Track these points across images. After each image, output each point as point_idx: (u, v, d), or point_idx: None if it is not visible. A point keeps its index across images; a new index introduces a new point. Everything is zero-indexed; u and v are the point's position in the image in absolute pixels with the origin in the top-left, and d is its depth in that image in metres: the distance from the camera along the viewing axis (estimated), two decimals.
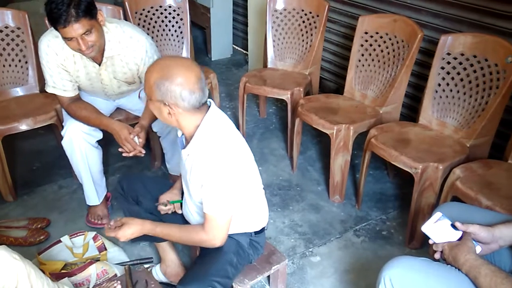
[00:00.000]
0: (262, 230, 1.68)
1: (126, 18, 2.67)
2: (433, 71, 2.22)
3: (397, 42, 2.40)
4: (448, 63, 2.18)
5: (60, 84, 2.01)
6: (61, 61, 1.96)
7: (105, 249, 2.05)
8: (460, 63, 2.15)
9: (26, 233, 2.16)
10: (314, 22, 2.85)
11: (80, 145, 2.04)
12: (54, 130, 2.67)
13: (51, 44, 1.94)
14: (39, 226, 2.22)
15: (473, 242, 1.28)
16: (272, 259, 1.75)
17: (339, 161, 2.36)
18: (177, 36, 2.90)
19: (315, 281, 1.97)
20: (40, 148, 2.92)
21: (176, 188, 1.74)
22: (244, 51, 4.33)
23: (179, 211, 1.70)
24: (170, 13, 2.86)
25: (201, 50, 4.38)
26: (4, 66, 2.53)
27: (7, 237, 2.14)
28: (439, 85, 2.22)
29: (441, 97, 2.23)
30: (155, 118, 2.07)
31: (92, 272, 1.85)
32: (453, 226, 1.32)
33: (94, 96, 2.21)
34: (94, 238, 2.08)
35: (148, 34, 2.49)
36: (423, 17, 2.55)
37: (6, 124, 2.26)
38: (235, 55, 4.40)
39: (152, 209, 1.73)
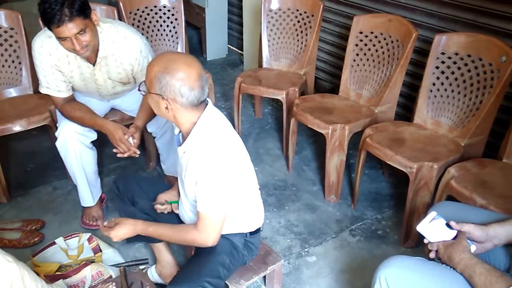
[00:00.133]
0: (258, 231, 1.68)
1: (120, 18, 2.66)
2: (427, 71, 2.22)
3: (392, 42, 2.40)
4: (443, 62, 2.19)
5: (54, 85, 2.00)
6: (54, 62, 1.95)
7: (100, 250, 2.04)
8: (455, 63, 2.15)
9: (20, 235, 2.15)
10: (309, 22, 2.85)
11: (74, 146, 2.03)
12: (48, 131, 2.65)
13: (45, 44, 1.93)
14: (33, 228, 2.21)
15: (468, 241, 1.29)
16: (268, 259, 1.75)
17: (335, 161, 2.36)
18: (172, 36, 2.89)
19: (311, 281, 1.97)
20: (34, 149, 2.91)
21: (175, 189, 1.73)
22: (240, 51, 4.33)
23: (176, 211, 1.70)
24: (164, 13, 2.85)
25: (196, 50, 4.37)
26: None
27: (1, 239, 2.13)
28: (434, 84, 2.23)
29: (435, 96, 2.23)
30: (150, 119, 2.07)
31: (87, 273, 1.84)
32: (448, 225, 1.33)
33: (88, 97, 2.20)
34: (89, 240, 2.07)
35: (142, 34, 2.48)
36: (418, 16, 2.55)
37: None
38: (230, 55, 4.39)
39: (147, 209, 1.73)
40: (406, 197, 2.07)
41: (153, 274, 1.90)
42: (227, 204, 1.46)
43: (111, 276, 1.86)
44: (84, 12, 1.75)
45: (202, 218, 1.45)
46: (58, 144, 2.04)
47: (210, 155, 1.39)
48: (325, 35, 3.21)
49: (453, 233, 1.32)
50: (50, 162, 2.71)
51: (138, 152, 1.97)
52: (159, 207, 1.69)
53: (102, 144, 2.32)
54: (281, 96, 2.68)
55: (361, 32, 2.53)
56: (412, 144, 2.11)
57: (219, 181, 1.41)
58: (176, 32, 2.89)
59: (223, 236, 1.56)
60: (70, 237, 2.09)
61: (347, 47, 2.59)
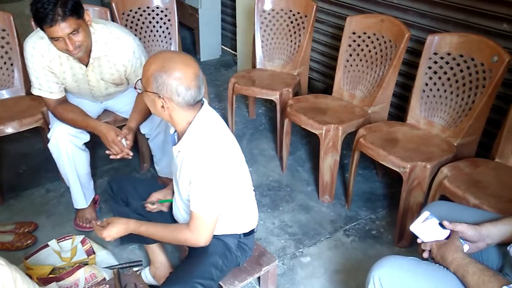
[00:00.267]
0: (251, 232, 1.67)
1: (113, 19, 2.65)
2: (420, 71, 2.23)
3: (385, 42, 2.41)
4: (435, 62, 2.20)
5: (46, 86, 1.99)
6: (47, 63, 1.94)
7: (94, 252, 2.03)
8: (447, 63, 2.17)
9: (13, 238, 2.13)
10: (302, 23, 2.86)
11: (66, 147, 2.02)
12: (40, 133, 2.64)
13: (37, 45, 1.92)
14: (26, 230, 2.19)
15: (461, 240, 1.29)
16: (262, 260, 1.75)
17: (328, 161, 2.36)
18: (165, 37, 2.88)
19: (305, 282, 1.97)
20: (26, 151, 2.89)
21: (169, 188, 1.73)
22: (233, 52, 4.32)
23: (165, 209, 1.70)
24: (157, 14, 2.84)
25: (189, 51, 4.36)
26: None
27: None
28: (426, 84, 2.24)
29: (428, 96, 2.24)
30: (143, 120, 2.06)
31: (81, 276, 1.83)
32: (441, 225, 1.33)
33: (81, 98, 2.18)
34: (82, 242, 2.06)
35: (135, 35, 2.47)
36: (410, 17, 2.56)
37: None
38: (224, 56, 4.39)
39: (141, 210, 1.73)
40: (399, 197, 2.08)
41: (147, 275, 1.90)
42: (220, 204, 1.46)
43: (104, 279, 1.85)
44: (77, 12, 1.74)
45: (195, 218, 1.45)
46: (50, 145, 2.03)
47: (204, 154, 1.39)
48: (318, 36, 3.21)
49: (446, 232, 1.32)
50: (43, 164, 2.69)
51: (131, 154, 1.96)
52: (149, 206, 1.69)
53: (95, 145, 2.31)
54: (274, 96, 2.69)
55: (354, 33, 2.53)
56: (405, 144, 2.12)
57: (213, 181, 1.41)
58: (169, 33, 2.88)
59: (216, 237, 1.56)
60: (63, 239, 2.08)
61: (340, 48, 2.60)
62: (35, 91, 2.02)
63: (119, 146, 1.93)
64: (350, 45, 2.56)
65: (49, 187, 2.56)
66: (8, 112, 2.34)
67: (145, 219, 1.67)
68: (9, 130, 2.26)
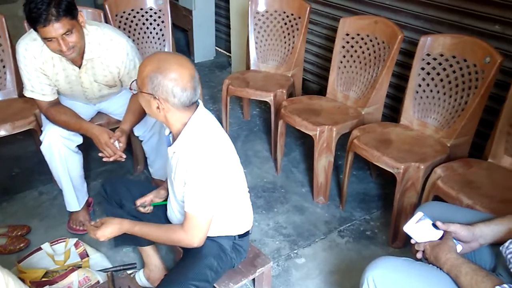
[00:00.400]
0: (246, 233, 1.67)
1: (106, 21, 2.64)
2: (413, 72, 2.24)
3: (378, 44, 2.42)
4: (428, 63, 2.21)
5: (38, 88, 1.98)
6: (39, 65, 1.93)
7: (87, 255, 2.01)
8: (440, 64, 2.18)
9: (6, 241, 2.11)
10: (296, 24, 2.86)
11: (59, 150, 2.00)
12: (33, 135, 2.62)
13: (29, 47, 1.90)
14: (19, 233, 2.17)
15: (454, 241, 1.30)
16: (257, 261, 1.74)
17: (323, 162, 2.36)
18: (159, 38, 2.88)
19: (300, 283, 1.97)
20: (19, 153, 2.86)
21: (163, 189, 1.73)
22: (227, 53, 4.32)
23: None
24: (151, 16, 2.84)
25: (184, 53, 4.33)
26: None
27: None
28: (420, 85, 2.25)
29: (421, 97, 2.25)
30: (136, 122, 2.06)
31: (74, 279, 1.82)
32: (434, 225, 1.34)
33: (74, 100, 2.17)
34: (76, 245, 2.05)
35: (129, 37, 2.46)
36: (403, 18, 2.58)
37: None
38: (218, 57, 4.39)
39: (135, 212, 1.72)
40: (393, 197, 2.08)
41: (141, 278, 1.89)
42: (215, 205, 1.46)
43: (98, 282, 1.84)
44: (71, 12, 1.74)
45: (189, 219, 1.45)
46: (42, 148, 2.02)
47: (199, 155, 1.39)
48: (312, 37, 3.22)
49: (440, 233, 1.33)
50: (36, 166, 2.67)
51: (124, 156, 1.96)
52: (140, 210, 1.68)
53: (88, 147, 2.30)
54: (269, 98, 2.69)
55: (347, 34, 2.54)
56: (399, 145, 2.12)
57: (207, 182, 1.41)
58: (163, 35, 2.87)
59: (211, 239, 1.56)
60: (56, 242, 2.07)
61: (333, 49, 2.60)
62: (27, 93, 2.00)
63: (112, 148, 1.92)
64: (343, 47, 2.57)
65: (42, 189, 2.55)
66: (0, 114, 2.32)
67: (139, 221, 1.66)
68: (2, 132, 2.24)
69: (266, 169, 2.77)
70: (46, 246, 2.03)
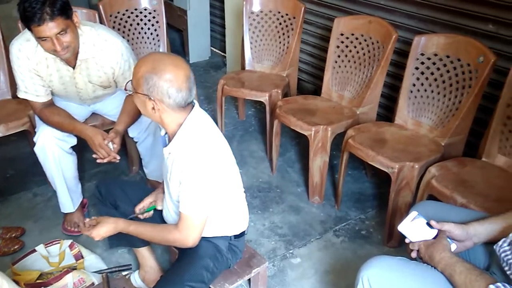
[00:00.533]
0: (242, 234, 1.67)
1: (101, 21, 2.63)
2: (407, 72, 2.25)
3: (372, 43, 2.43)
4: (422, 63, 2.22)
5: (32, 89, 1.97)
6: (33, 66, 1.92)
7: (82, 257, 2.01)
8: (434, 63, 2.18)
9: (0, 243, 2.10)
10: (291, 24, 2.86)
11: (53, 151, 1.99)
12: (27, 137, 2.60)
13: (23, 48, 1.89)
14: (13, 235, 2.16)
15: (448, 240, 1.30)
16: (252, 262, 1.74)
17: (318, 162, 2.37)
18: (153, 39, 2.87)
19: (296, 283, 1.97)
20: (13, 155, 2.85)
21: (160, 191, 1.72)
22: (222, 53, 4.32)
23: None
24: (145, 16, 2.83)
25: (179, 53, 4.34)
26: None
27: None
28: (414, 85, 2.25)
29: (416, 97, 2.26)
30: (131, 123, 2.05)
31: (69, 281, 1.81)
32: (429, 224, 1.34)
33: (68, 101, 2.16)
34: (71, 246, 2.04)
35: (123, 37, 2.45)
36: (398, 18, 2.58)
37: None
38: (213, 58, 4.38)
39: (130, 213, 1.71)
40: (388, 197, 2.09)
41: (136, 279, 1.88)
42: (210, 205, 1.46)
43: (93, 283, 1.83)
44: (65, 12, 1.73)
45: (184, 219, 1.45)
46: (36, 149, 2.01)
47: (195, 156, 1.39)
48: (307, 37, 3.22)
49: (434, 232, 1.33)
50: (30, 168, 2.66)
51: (118, 158, 1.95)
52: (140, 217, 1.68)
53: (82, 149, 2.28)
54: (264, 98, 2.69)
55: (342, 34, 2.55)
56: (394, 144, 2.13)
57: (202, 182, 1.40)
58: (157, 35, 2.86)
59: (207, 239, 1.56)
60: (51, 244, 2.06)
61: (328, 49, 2.61)
62: (21, 94, 1.99)
63: (106, 150, 1.91)
64: (338, 46, 2.57)
65: (37, 191, 2.54)
66: None
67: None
68: None
69: (262, 169, 2.77)
70: (40, 248, 2.02)
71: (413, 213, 1.37)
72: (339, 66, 2.59)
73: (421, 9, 2.46)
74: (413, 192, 2.02)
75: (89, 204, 2.38)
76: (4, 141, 2.65)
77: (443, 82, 2.16)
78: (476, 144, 2.14)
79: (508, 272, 1.18)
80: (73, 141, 2.07)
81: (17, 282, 1.75)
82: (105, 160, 1.93)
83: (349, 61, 2.55)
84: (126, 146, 2.53)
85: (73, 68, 1.96)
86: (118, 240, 1.77)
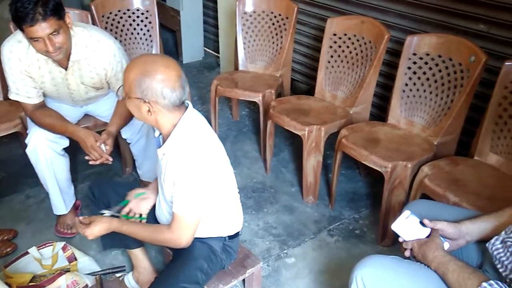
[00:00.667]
0: (236, 234, 1.67)
1: (93, 22, 2.62)
2: (400, 71, 2.26)
3: (365, 43, 2.43)
4: (414, 63, 2.23)
5: (23, 91, 1.95)
6: (24, 67, 1.90)
7: (75, 259, 2.00)
8: (426, 63, 2.20)
9: None
10: (284, 24, 2.87)
11: (45, 153, 1.98)
12: (19, 138, 2.58)
13: (14, 49, 1.88)
14: (5, 238, 2.14)
15: (441, 238, 1.31)
16: (246, 262, 1.74)
17: (312, 162, 2.37)
18: (146, 39, 2.86)
19: (290, 283, 1.98)
20: (5, 157, 2.83)
21: (149, 188, 1.72)
22: (216, 54, 4.31)
23: (141, 211, 1.69)
24: (138, 16, 2.82)
25: (172, 53, 4.34)
26: None
27: None
28: (406, 84, 2.26)
29: (408, 96, 2.27)
30: (124, 125, 2.04)
31: (62, 283, 1.80)
32: (422, 223, 1.35)
33: (60, 103, 2.15)
34: (64, 249, 2.03)
35: (116, 38, 2.45)
36: (390, 18, 2.59)
37: None
38: (206, 58, 4.38)
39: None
40: (382, 196, 2.10)
41: (130, 281, 1.87)
42: (203, 206, 1.45)
43: (87, 285, 1.83)
44: (58, 12, 1.72)
45: (177, 219, 1.45)
46: (28, 151, 1.99)
47: (189, 156, 1.39)
48: (300, 37, 3.23)
49: (427, 231, 1.34)
50: (22, 170, 2.63)
51: (111, 159, 1.94)
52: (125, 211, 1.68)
53: (75, 150, 2.27)
54: (257, 98, 2.69)
55: (334, 34, 2.55)
56: (387, 144, 2.14)
57: (196, 183, 1.40)
58: (150, 36, 2.86)
59: (201, 240, 1.56)
60: (43, 246, 2.04)
61: (321, 49, 2.61)
62: (12, 96, 1.98)
63: (98, 151, 1.90)
64: (331, 47, 2.58)
65: (29, 193, 2.52)
66: None
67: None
68: None
69: (256, 169, 2.77)
70: (33, 250, 2.00)
71: (406, 212, 1.38)
72: (332, 66, 2.59)
73: (413, 9, 2.47)
74: (406, 191, 2.03)
75: (82, 205, 2.36)
76: None
77: (435, 81, 2.18)
78: (468, 143, 2.16)
79: (500, 270, 1.19)
80: (65, 142, 2.06)
81: (9, 285, 1.75)
82: (97, 162, 1.92)
83: (342, 61, 2.55)
84: (119, 147, 2.52)
85: (65, 69, 1.95)
86: (112, 241, 1.76)
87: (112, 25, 2.77)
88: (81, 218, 1.56)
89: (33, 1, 1.65)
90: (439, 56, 2.15)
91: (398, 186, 2.03)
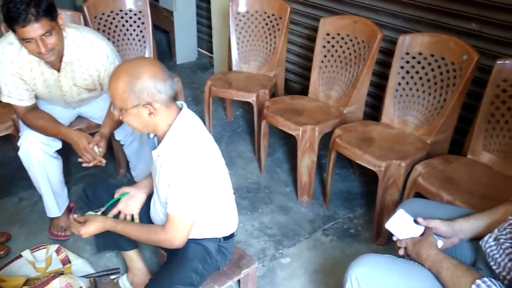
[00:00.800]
0: (231, 235, 1.67)
1: (85, 23, 2.60)
2: (393, 71, 2.27)
3: (358, 43, 2.44)
4: (407, 62, 2.24)
5: (15, 93, 1.94)
6: (16, 69, 1.89)
7: (69, 261, 1.99)
8: (419, 62, 2.21)
9: None
10: (277, 24, 2.87)
11: (37, 155, 1.97)
12: (12, 140, 2.56)
13: (5, 51, 1.87)
14: None
15: (435, 236, 1.32)
16: (241, 263, 1.74)
17: (306, 162, 2.37)
18: (139, 40, 2.85)
19: (285, 283, 1.98)
20: None
21: (138, 185, 1.72)
22: (210, 54, 4.31)
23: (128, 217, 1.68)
24: (131, 17, 2.81)
25: (165, 54, 4.33)
26: None
27: None
28: (399, 84, 2.27)
29: (401, 95, 2.28)
30: (117, 126, 2.04)
31: (56, 286, 1.79)
32: (416, 222, 1.35)
33: (53, 105, 2.14)
34: (57, 251, 2.01)
35: (109, 39, 2.43)
36: (383, 18, 2.60)
37: None
38: (200, 58, 4.37)
39: (117, 215, 1.70)
40: (376, 195, 2.10)
41: (124, 283, 1.86)
42: (197, 207, 1.45)
43: None
44: (51, 13, 1.71)
45: (171, 220, 1.45)
46: (20, 154, 1.98)
47: (183, 157, 1.39)
48: (293, 37, 3.23)
49: (421, 229, 1.34)
50: (15, 172, 2.61)
51: (104, 161, 1.93)
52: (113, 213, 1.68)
53: (68, 152, 2.26)
54: (251, 98, 2.69)
55: (328, 34, 2.56)
56: (380, 143, 2.15)
57: (190, 184, 1.40)
58: (143, 36, 2.84)
59: (196, 241, 1.56)
60: (37, 249, 2.03)
61: (314, 49, 2.62)
62: (4, 98, 1.96)
63: (91, 153, 1.90)
64: (324, 46, 2.58)
65: (22, 195, 2.50)
66: None
67: None
68: None
69: (250, 169, 2.77)
70: (26, 253, 1.99)
71: (400, 211, 1.38)
72: (326, 66, 2.60)
73: (405, 8, 2.48)
74: (400, 190, 2.04)
75: (76, 208, 2.35)
76: None
77: (428, 80, 2.18)
78: (461, 141, 2.17)
79: (493, 267, 1.20)
80: (58, 145, 2.04)
81: None
82: (90, 164, 1.91)
83: (335, 61, 2.56)
84: (113, 149, 2.51)
85: (58, 71, 1.94)
86: (106, 243, 1.75)
87: (104, 26, 2.76)
88: (75, 216, 1.57)
89: (26, 1, 1.64)
90: (432, 55, 2.16)
91: (392, 185, 2.04)
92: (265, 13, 2.91)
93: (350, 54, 2.48)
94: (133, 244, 1.76)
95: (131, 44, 2.85)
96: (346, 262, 1.40)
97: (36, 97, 2.03)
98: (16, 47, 1.84)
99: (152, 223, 1.66)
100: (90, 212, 1.64)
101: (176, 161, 1.39)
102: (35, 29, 1.68)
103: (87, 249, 2.12)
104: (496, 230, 1.24)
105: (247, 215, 2.38)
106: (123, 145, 2.27)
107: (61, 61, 1.91)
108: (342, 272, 1.36)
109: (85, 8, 2.65)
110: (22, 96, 1.95)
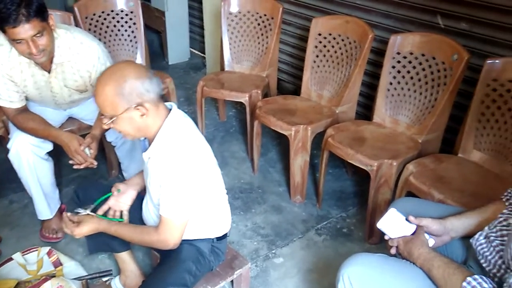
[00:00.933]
0: (224, 236, 1.67)
1: (76, 24, 2.59)
2: (384, 70, 2.28)
3: (350, 43, 2.45)
4: (398, 62, 2.25)
5: (5, 95, 1.92)
6: (6, 71, 1.87)
7: (61, 264, 1.97)
8: (410, 62, 2.22)
9: None
10: (269, 25, 2.87)
11: (28, 157, 1.95)
12: (2, 142, 2.54)
13: None
14: None
15: (426, 235, 1.32)
16: (234, 263, 1.74)
17: (299, 162, 2.38)
18: (131, 40, 2.84)
19: (278, 283, 1.98)
20: None
21: (129, 182, 1.72)
22: (202, 54, 4.30)
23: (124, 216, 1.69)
24: (122, 18, 2.79)
25: (157, 54, 4.32)
26: None
27: None
28: (391, 83, 2.28)
29: (393, 95, 2.29)
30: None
31: None
32: (408, 221, 1.36)
33: (43, 106, 2.12)
34: (49, 254, 2.00)
35: (100, 39, 2.42)
36: (374, 17, 2.61)
37: None
38: (192, 59, 4.36)
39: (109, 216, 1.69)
40: (369, 194, 2.11)
41: (117, 285, 1.86)
42: (190, 208, 1.45)
43: None
44: (42, 14, 1.70)
45: (164, 222, 1.44)
46: (10, 156, 1.96)
47: (174, 158, 1.39)
48: (285, 37, 3.23)
49: (412, 228, 1.35)
50: (5, 174, 2.59)
51: (95, 163, 1.92)
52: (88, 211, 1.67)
53: (60, 153, 2.24)
54: (244, 98, 2.68)
55: (320, 34, 2.56)
56: (372, 142, 2.15)
57: (182, 185, 1.40)
58: (135, 37, 2.83)
59: (189, 242, 1.55)
60: (28, 251, 2.01)
61: (306, 49, 2.62)
62: None
63: (83, 155, 1.88)
64: (316, 46, 2.59)
65: (13, 198, 2.48)
66: None
67: None
68: None
69: (243, 169, 2.77)
70: (17, 256, 1.97)
71: (391, 210, 1.39)
72: (318, 66, 2.60)
73: (396, 8, 2.50)
74: (392, 189, 2.05)
75: (67, 209, 2.33)
76: None
77: (419, 80, 2.20)
78: (452, 140, 2.18)
79: (484, 265, 1.21)
80: (49, 147, 2.02)
81: None
82: (82, 166, 1.90)
83: (327, 60, 2.56)
84: (105, 150, 2.50)
85: (48, 72, 1.92)
86: (98, 245, 1.75)
87: (96, 26, 2.74)
88: (69, 214, 1.57)
89: (16, 2, 1.63)
90: (423, 55, 2.17)
91: (384, 184, 2.05)
92: (257, 13, 2.91)
93: (342, 54, 2.49)
94: (126, 245, 1.76)
95: (122, 44, 2.83)
96: (339, 261, 1.40)
97: (27, 98, 2.02)
98: (6, 48, 1.83)
99: (144, 224, 1.66)
100: (80, 209, 1.63)
101: (167, 162, 1.39)
102: (26, 29, 1.66)
103: (79, 251, 2.10)
104: (486, 228, 1.25)
105: (240, 215, 2.38)
106: (114, 146, 2.26)
107: (51, 62, 1.89)
108: (335, 272, 1.37)
109: (76, 9, 2.63)
110: (12, 98, 1.93)
